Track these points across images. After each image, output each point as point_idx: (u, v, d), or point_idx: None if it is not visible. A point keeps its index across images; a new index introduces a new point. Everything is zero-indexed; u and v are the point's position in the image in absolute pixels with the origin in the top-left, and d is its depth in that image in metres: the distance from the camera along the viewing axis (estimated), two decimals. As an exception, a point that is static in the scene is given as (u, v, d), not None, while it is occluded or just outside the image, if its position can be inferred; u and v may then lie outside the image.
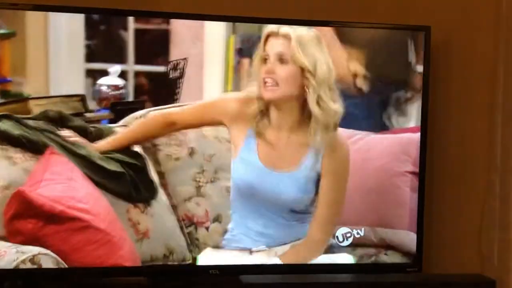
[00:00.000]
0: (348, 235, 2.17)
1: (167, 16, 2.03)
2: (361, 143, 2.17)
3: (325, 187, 2.04)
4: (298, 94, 2.00)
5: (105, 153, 2.00)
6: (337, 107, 2.01)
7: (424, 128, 2.19)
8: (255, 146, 2.05)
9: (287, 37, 1.97)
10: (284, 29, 1.98)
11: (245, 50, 2.15)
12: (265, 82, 1.99)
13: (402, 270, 2.20)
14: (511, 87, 2.20)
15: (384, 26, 2.16)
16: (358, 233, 2.17)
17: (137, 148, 2.06)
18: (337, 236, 2.16)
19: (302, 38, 1.98)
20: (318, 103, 1.99)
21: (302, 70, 1.98)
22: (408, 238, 2.19)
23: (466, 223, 2.34)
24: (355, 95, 2.10)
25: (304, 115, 2.01)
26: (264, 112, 2.03)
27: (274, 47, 1.99)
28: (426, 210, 2.22)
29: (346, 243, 2.16)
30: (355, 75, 2.10)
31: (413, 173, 2.19)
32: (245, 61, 2.16)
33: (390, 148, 2.19)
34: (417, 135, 2.20)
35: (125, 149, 2.04)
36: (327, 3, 2.25)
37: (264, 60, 1.99)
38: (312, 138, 2.01)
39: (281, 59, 1.98)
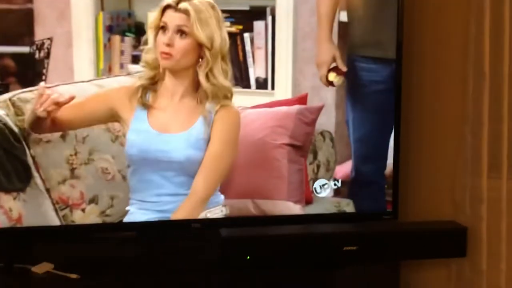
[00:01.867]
0: (326, 186, 2.28)
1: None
2: (238, 117, 2.21)
3: (212, 141, 2.07)
4: (193, 63, 2.04)
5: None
6: (226, 82, 2.05)
7: (399, 83, 2.25)
8: (145, 116, 2.06)
9: (186, 12, 1.99)
10: (183, 4, 1.99)
11: (114, 27, 2.11)
12: (162, 52, 2.00)
13: (379, 218, 2.31)
14: (481, 43, 2.26)
15: None
16: (335, 185, 2.30)
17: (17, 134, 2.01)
18: (314, 188, 2.27)
19: (200, 11, 1.99)
20: (207, 76, 2.03)
21: (200, 43, 2.01)
22: (287, 209, 2.25)
23: (440, 172, 2.42)
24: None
25: (197, 82, 2.05)
26: (152, 83, 2.05)
27: (173, 20, 2.00)
28: (402, 161, 2.30)
29: (323, 194, 2.28)
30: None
31: (290, 145, 2.24)
32: (116, 38, 2.13)
33: (267, 122, 2.23)
34: (294, 107, 2.23)
35: (4, 135, 1.98)
36: None
37: (162, 29, 2.00)
38: (199, 105, 2.05)
39: (180, 32, 2.00)
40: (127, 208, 2.11)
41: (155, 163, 2.06)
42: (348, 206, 2.31)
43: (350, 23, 2.26)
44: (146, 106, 2.06)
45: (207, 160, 2.06)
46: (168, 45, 2.00)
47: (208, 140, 2.07)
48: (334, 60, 2.25)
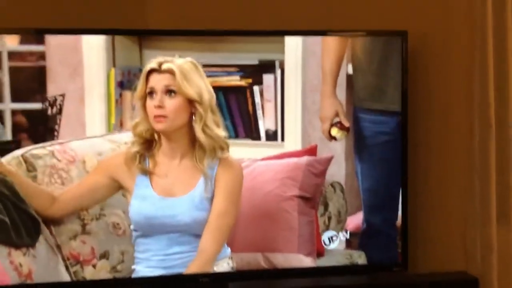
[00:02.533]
0: (335, 238, 2.27)
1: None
2: (247, 170, 2.20)
3: (216, 199, 2.06)
4: (186, 121, 2.04)
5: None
6: (220, 131, 2.07)
7: (405, 137, 2.27)
8: (147, 181, 2.06)
9: (170, 71, 2.00)
10: (166, 65, 2.01)
11: (126, 82, 2.14)
12: (155, 116, 2.01)
13: (389, 269, 2.29)
14: (486, 91, 2.30)
15: (361, 32, 2.24)
16: (344, 236, 2.29)
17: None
18: (323, 240, 2.26)
19: (184, 69, 2.01)
20: (203, 130, 2.04)
21: (189, 100, 2.02)
22: (298, 261, 2.23)
23: (450, 222, 2.43)
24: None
25: (193, 140, 2.05)
26: (148, 149, 2.05)
27: (159, 81, 2.01)
28: (410, 211, 2.30)
29: (332, 246, 2.27)
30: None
31: (300, 197, 2.24)
32: (127, 93, 2.15)
33: (276, 174, 2.24)
34: (303, 159, 2.25)
35: (14, 191, 1.98)
36: (303, 12, 2.34)
37: (150, 95, 2.01)
38: (198, 164, 2.05)
39: (169, 92, 2.01)
40: (133, 267, 2.10)
41: (162, 227, 2.04)
42: (360, 258, 2.30)
43: (355, 76, 2.30)
44: (147, 172, 2.06)
45: (213, 219, 2.05)
46: (159, 107, 2.00)
47: (211, 199, 2.07)
48: (337, 115, 2.28)
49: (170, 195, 2.06)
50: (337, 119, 2.27)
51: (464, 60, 2.38)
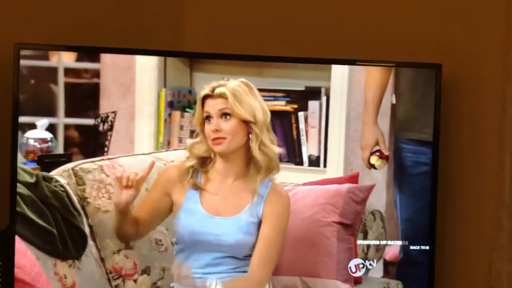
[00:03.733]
0: (361, 266, 2.26)
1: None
2: (289, 194, 2.21)
3: (265, 227, 2.08)
4: (243, 143, 2.08)
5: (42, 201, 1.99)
6: (276, 148, 2.10)
7: (436, 168, 2.28)
8: (197, 197, 2.09)
9: (223, 96, 2.05)
10: (219, 89, 2.06)
11: (175, 103, 2.19)
12: (213, 139, 2.06)
13: None
14: None
15: (395, 64, 2.28)
16: (370, 265, 2.28)
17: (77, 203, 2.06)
18: (350, 267, 2.25)
19: (236, 92, 2.06)
20: (259, 148, 2.07)
21: (245, 121, 2.07)
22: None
23: (476, 257, 2.41)
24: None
25: (248, 161, 2.09)
26: (202, 164, 2.09)
27: (214, 106, 2.06)
28: (438, 244, 2.29)
29: (359, 273, 2.26)
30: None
31: (339, 223, 2.26)
32: (176, 113, 2.21)
33: (317, 199, 2.26)
34: (345, 186, 2.26)
35: (64, 203, 2.03)
36: (336, 42, 2.38)
37: (207, 119, 2.06)
38: (253, 184, 2.08)
39: (224, 115, 2.06)
40: (171, 284, 2.12)
41: (205, 245, 2.07)
42: (397, 287, 2.30)
43: (397, 106, 2.32)
44: (198, 188, 2.10)
45: (263, 247, 2.06)
46: (217, 130, 2.05)
47: (258, 224, 2.09)
48: (377, 143, 2.30)
49: (218, 214, 2.08)
50: (377, 148, 2.29)
51: (496, 93, 2.36)
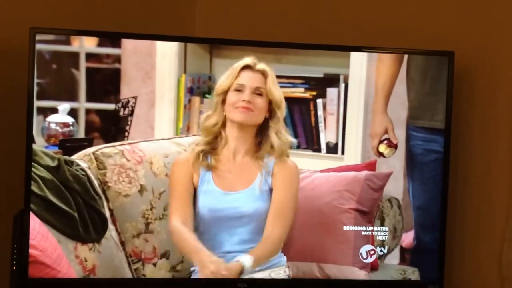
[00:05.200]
0: (372, 252, 2.27)
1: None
2: (307, 180, 2.25)
3: (275, 191, 2.14)
4: (260, 122, 2.14)
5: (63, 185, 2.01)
6: (289, 137, 2.17)
7: (447, 156, 2.28)
8: (210, 177, 2.14)
9: (264, 73, 2.10)
10: (261, 65, 2.11)
11: (195, 89, 2.21)
12: (241, 106, 2.09)
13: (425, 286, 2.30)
14: None
15: (408, 51, 2.27)
16: (381, 251, 2.28)
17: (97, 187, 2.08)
18: (361, 253, 2.25)
19: (273, 74, 2.13)
20: (277, 133, 2.13)
21: (270, 102, 2.12)
22: (352, 274, 2.26)
23: (487, 246, 2.41)
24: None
25: (258, 140, 2.14)
26: (211, 148, 2.12)
27: (251, 80, 2.10)
28: (448, 233, 2.30)
29: (369, 260, 2.27)
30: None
31: (356, 210, 2.27)
32: (196, 99, 2.22)
33: (335, 186, 2.27)
34: (362, 173, 2.28)
35: (86, 187, 2.05)
36: (352, 30, 2.39)
37: (237, 90, 2.09)
38: (259, 161, 2.14)
39: (258, 93, 2.11)
40: (192, 268, 2.15)
41: (226, 220, 2.11)
42: (413, 274, 2.31)
43: (408, 94, 2.32)
44: (210, 168, 2.14)
45: (275, 208, 2.13)
46: (249, 101, 2.09)
47: (270, 191, 2.14)
48: (386, 132, 2.30)
49: (232, 189, 2.13)
50: (386, 136, 2.30)
51: (509, 80, 2.36)
